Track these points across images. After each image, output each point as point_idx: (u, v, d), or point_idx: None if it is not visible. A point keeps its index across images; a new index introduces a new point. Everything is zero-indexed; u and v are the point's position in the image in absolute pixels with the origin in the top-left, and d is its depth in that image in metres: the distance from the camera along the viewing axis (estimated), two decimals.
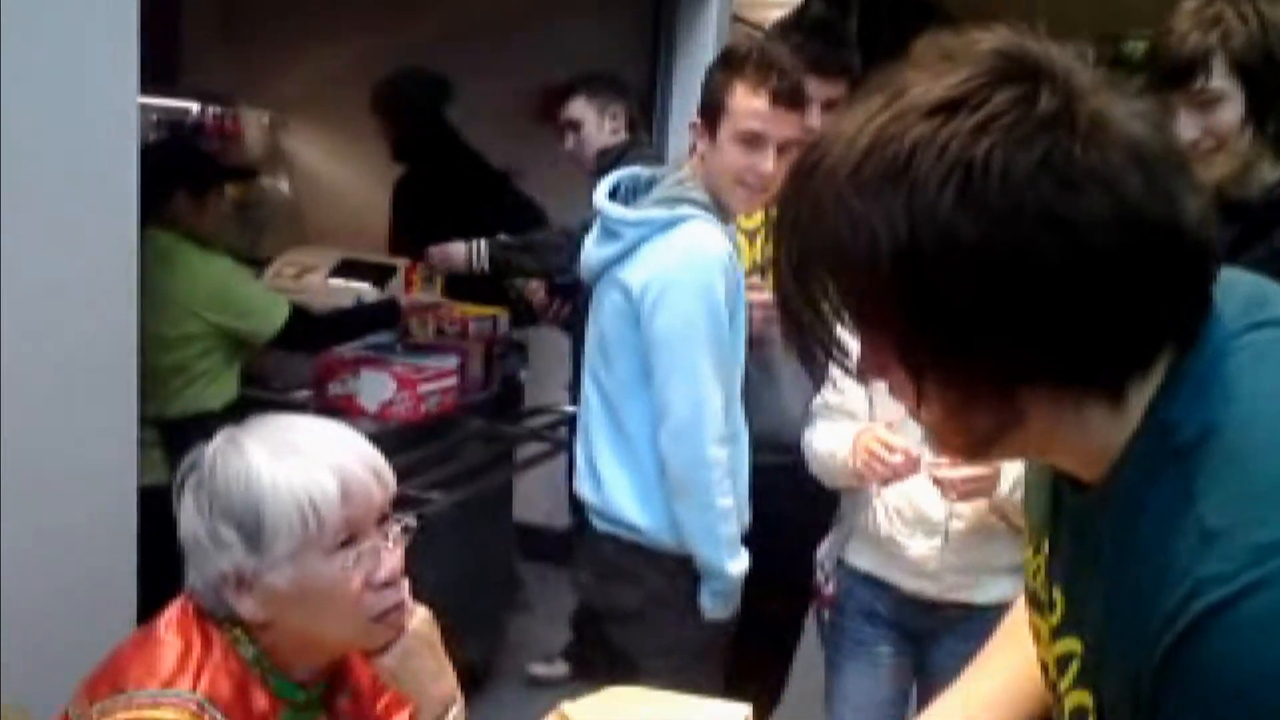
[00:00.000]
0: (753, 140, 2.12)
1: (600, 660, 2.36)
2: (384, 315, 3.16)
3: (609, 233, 2.22)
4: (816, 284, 0.80)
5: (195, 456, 1.30)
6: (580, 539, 2.41)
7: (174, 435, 2.54)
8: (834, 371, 2.11)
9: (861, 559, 2.25)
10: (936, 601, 2.18)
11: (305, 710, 1.33)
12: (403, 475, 2.69)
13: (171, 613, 1.30)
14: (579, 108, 3.48)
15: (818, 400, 2.25)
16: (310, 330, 2.97)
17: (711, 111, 2.15)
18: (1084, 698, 0.86)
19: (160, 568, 1.80)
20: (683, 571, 2.22)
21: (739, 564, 2.21)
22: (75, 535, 1.82)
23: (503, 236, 3.43)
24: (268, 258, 3.70)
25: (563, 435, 3.41)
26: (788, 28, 2.72)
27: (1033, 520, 1.00)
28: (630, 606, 2.26)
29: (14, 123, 1.64)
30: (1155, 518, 0.77)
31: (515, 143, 4.49)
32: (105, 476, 1.90)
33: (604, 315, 2.23)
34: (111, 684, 1.22)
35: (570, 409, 3.52)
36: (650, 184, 2.24)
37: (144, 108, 4.22)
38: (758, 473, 2.32)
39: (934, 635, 2.22)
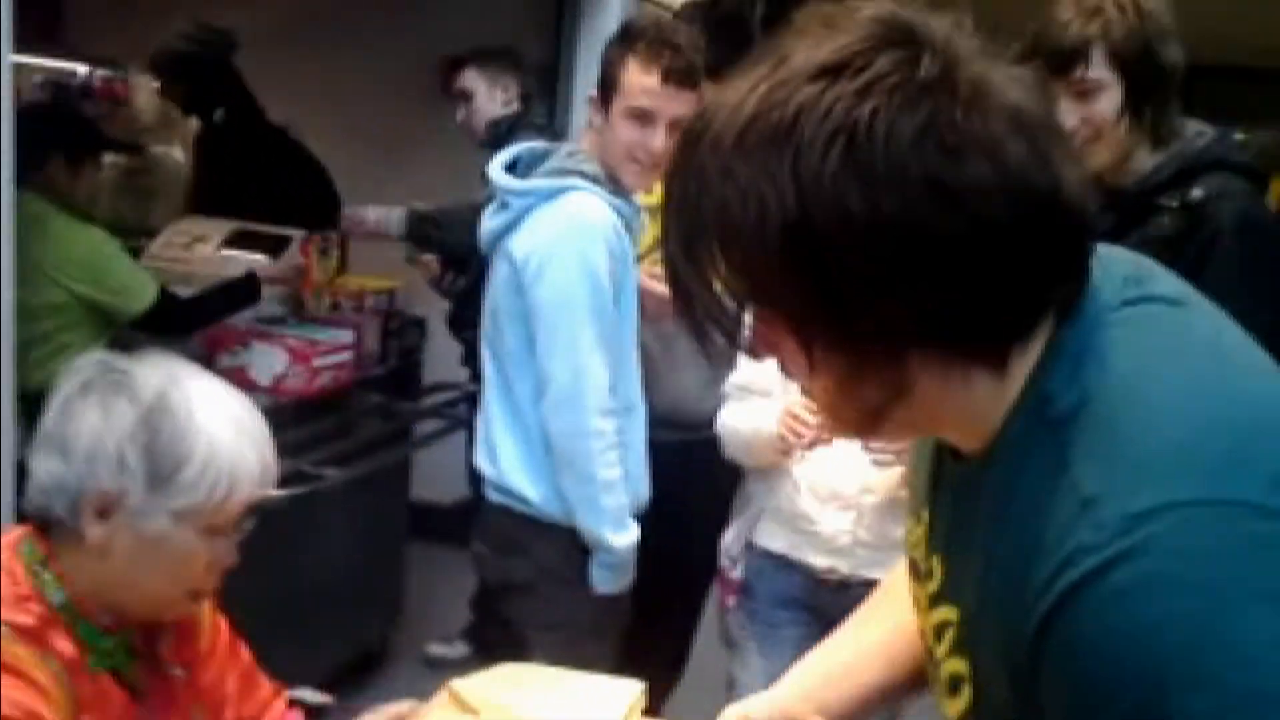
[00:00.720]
0: (643, 116, 2.13)
1: (495, 635, 2.37)
2: (244, 293, 3.07)
3: (500, 204, 2.22)
4: (706, 257, 0.79)
5: (113, 368, 1.28)
6: (477, 512, 2.40)
7: (32, 406, 2.46)
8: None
9: (773, 540, 2.24)
10: (848, 579, 2.18)
11: (112, 656, 1.31)
12: (296, 450, 2.68)
13: None
14: (470, 78, 3.54)
15: (730, 380, 2.25)
16: (176, 315, 2.92)
17: (606, 87, 2.17)
18: (959, 665, 0.86)
19: None
20: (574, 545, 2.21)
21: (625, 537, 2.20)
22: None
23: (418, 205, 3.41)
24: (157, 228, 3.60)
25: (460, 412, 3.37)
26: (695, 18, 2.73)
27: (914, 490, 1.01)
28: (522, 579, 2.26)
29: None
30: (1032, 486, 0.77)
31: (413, 113, 4.44)
32: None
33: (495, 286, 2.24)
34: None
35: (471, 386, 3.49)
36: (546, 157, 2.23)
37: (25, 68, 4.10)
38: (655, 450, 2.32)
39: (844, 617, 2.24)
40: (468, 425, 3.32)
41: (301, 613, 3.10)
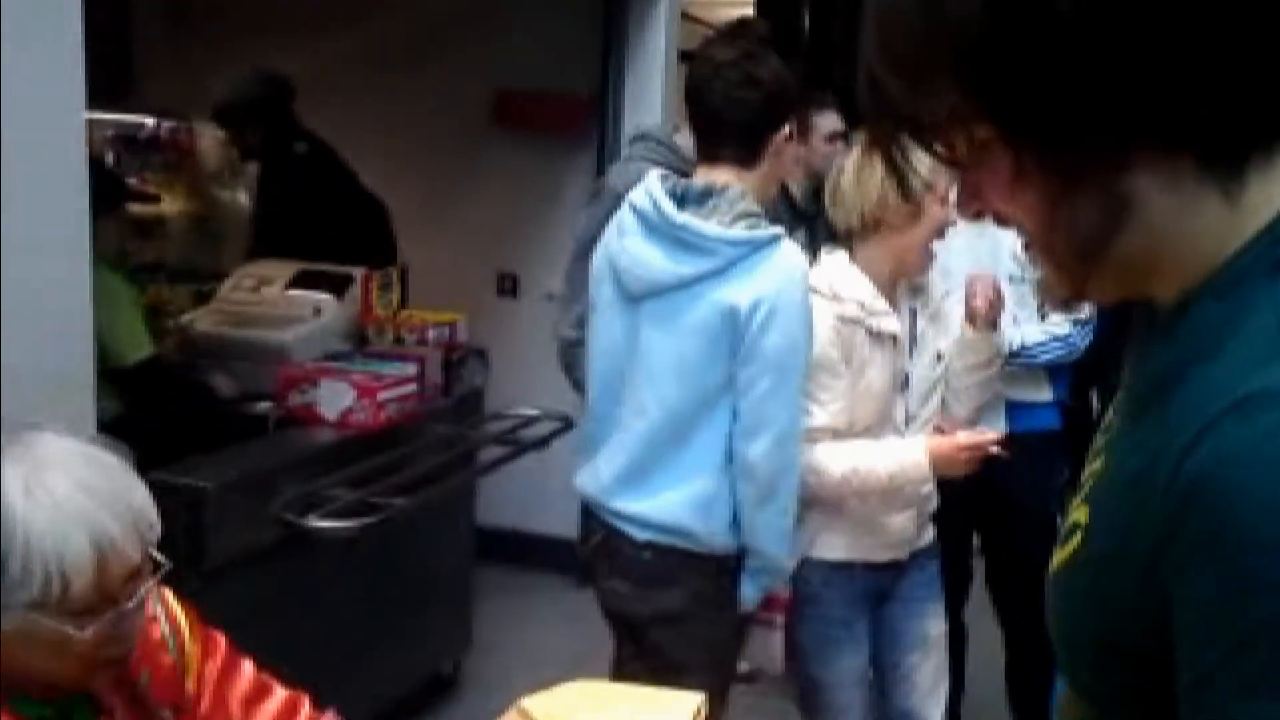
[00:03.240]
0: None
1: (639, 665, 2.40)
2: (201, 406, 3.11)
3: (693, 248, 2.20)
4: (910, 75, 0.75)
5: None
6: (604, 549, 2.40)
7: None
8: (814, 393, 2.31)
9: (833, 550, 2.42)
10: (901, 560, 2.49)
11: (65, 716, 1.28)
12: (364, 482, 2.76)
13: None
14: None
15: (810, 424, 2.31)
16: (154, 383, 3.00)
17: (793, 114, 2.30)
18: (1080, 514, 0.81)
19: None
20: (721, 571, 2.32)
21: (791, 560, 2.37)
22: None
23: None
24: (226, 271, 3.72)
25: (522, 439, 3.44)
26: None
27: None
28: (675, 609, 2.32)
29: None
30: (1245, 336, 0.70)
31: (467, 148, 4.55)
32: None
33: (684, 329, 2.22)
34: None
35: (531, 412, 3.56)
36: (705, 195, 2.23)
37: (98, 122, 4.27)
38: None
39: (891, 590, 2.52)
40: (535, 448, 3.38)
41: (376, 639, 3.18)
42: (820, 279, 2.35)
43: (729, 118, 2.23)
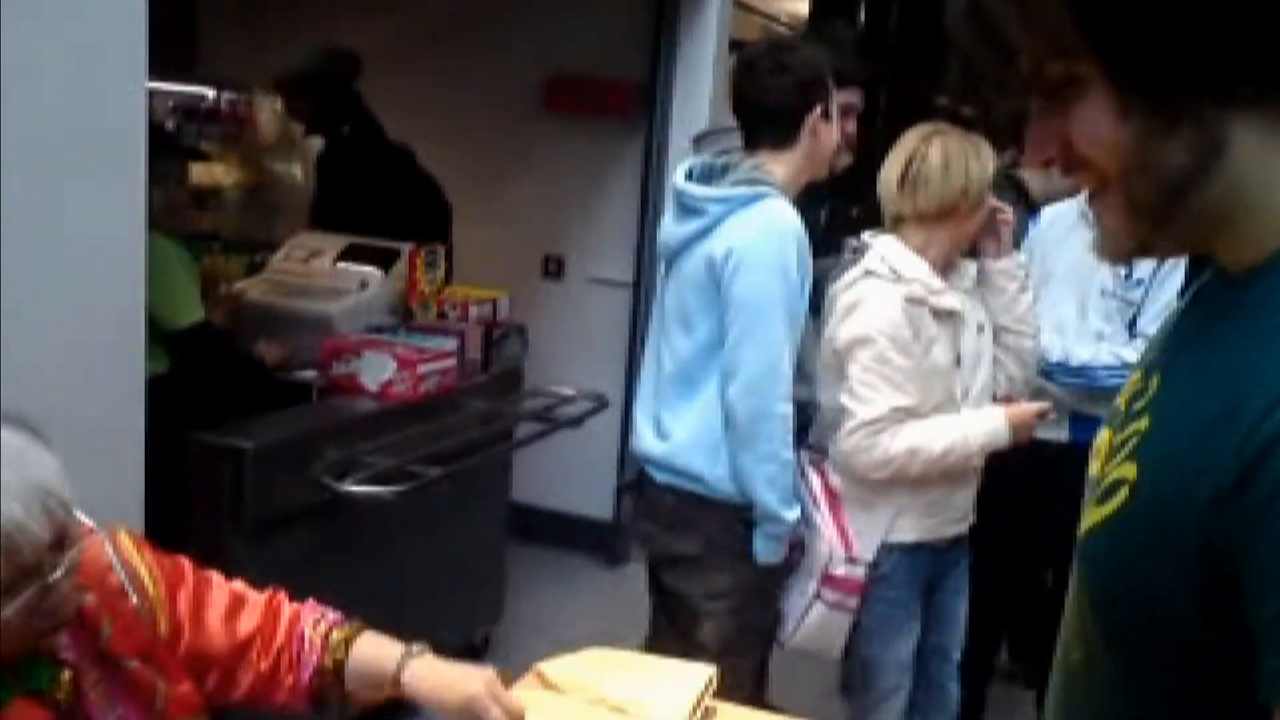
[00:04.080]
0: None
1: (661, 606, 2.59)
2: (250, 381, 3.12)
3: (690, 210, 2.42)
4: (1011, 12, 0.77)
5: None
6: (640, 493, 2.61)
7: None
8: (892, 378, 2.38)
9: (907, 534, 2.49)
10: (962, 536, 2.60)
11: (25, 680, 1.29)
12: (402, 450, 2.83)
13: None
14: None
15: (879, 411, 2.39)
16: (204, 349, 3.02)
17: (825, 97, 2.48)
18: (1127, 470, 0.81)
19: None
20: (737, 520, 2.42)
21: (793, 512, 2.41)
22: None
23: None
24: (278, 241, 3.80)
25: (558, 416, 3.50)
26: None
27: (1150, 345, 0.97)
28: (689, 552, 2.47)
29: (26, 108, 1.72)
30: None
31: (518, 131, 4.61)
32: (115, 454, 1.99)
33: (686, 285, 2.43)
34: None
35: (567, 391, 3.63)
36: (725, 169, 2.44)
37: (160, 93, 4.37)
38: None
39: (942, 575, 2.62)
40: (569, 425, 3.45)
41: (409, 606, 3.25)
42: (877, 262, 2.43)
43: (763, 104, 2.43)
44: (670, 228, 2.49)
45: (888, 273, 2.41)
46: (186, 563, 1.53)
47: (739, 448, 2.37)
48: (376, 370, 2.99)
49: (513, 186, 4.67)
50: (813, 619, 2.52)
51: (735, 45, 4.52)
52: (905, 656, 2.57)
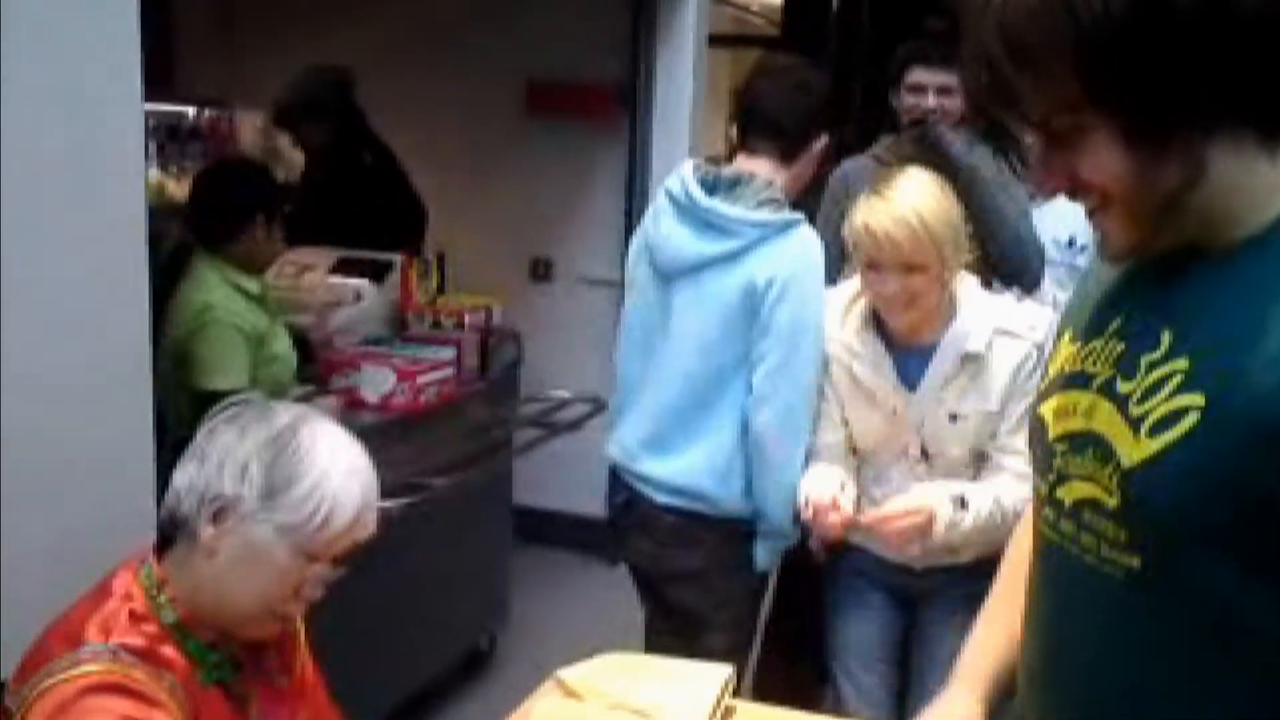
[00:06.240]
0: None
1: (662, 621, 2.62)
2: None
3: (717, 229, 2.37)
4: (1024, 70, 0.93)
5: (260, 404, 1.48)
6: (631, 512, 2.58)
7: None
8: (827, 409, 2.32)
9: (851, 535, 2.35)
10: (920, 570, 2.34)
11: (219, 669, 1.44)
12: (405, 463, 2.84)
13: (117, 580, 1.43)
14: None
15: (815, 440, 2.36)
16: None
17: (830, 126, 2.51)
18: (1192, 399, 0.95)
19: None
20: (736, 534, 2.47)
21: (795, 527, 2.46)
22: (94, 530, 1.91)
23: None
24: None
25: (557, 421, 3.52)
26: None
27: (1076, 325, 1.14)
28: (694, 568, 2.50)
29: (21, 130, 1.70)
30: None
31: (500, 136, 4.63)
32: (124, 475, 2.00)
33: (710, 308, 2.39)
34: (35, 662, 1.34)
35: (564, 395, 3.65)
36: (734, 183, 2.39)
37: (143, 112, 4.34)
38: None
39: (923, 596, 2.41)
40: (568, 430, 3.48)
41: (415, 615, 3.27)
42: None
43: (782, 115, 2.42)
44: (682, 240, 2.41)
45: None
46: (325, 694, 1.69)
47: (761, 470, 2.39)
48: (376, 383, 3.01)
49: (498, 191, 4.69)
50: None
51: (714, 40, 4.54)
52: (858, 648, 2.46)
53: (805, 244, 2.35)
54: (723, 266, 2.36)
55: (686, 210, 2.41)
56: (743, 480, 2.42)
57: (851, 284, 2.34)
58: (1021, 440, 2.02)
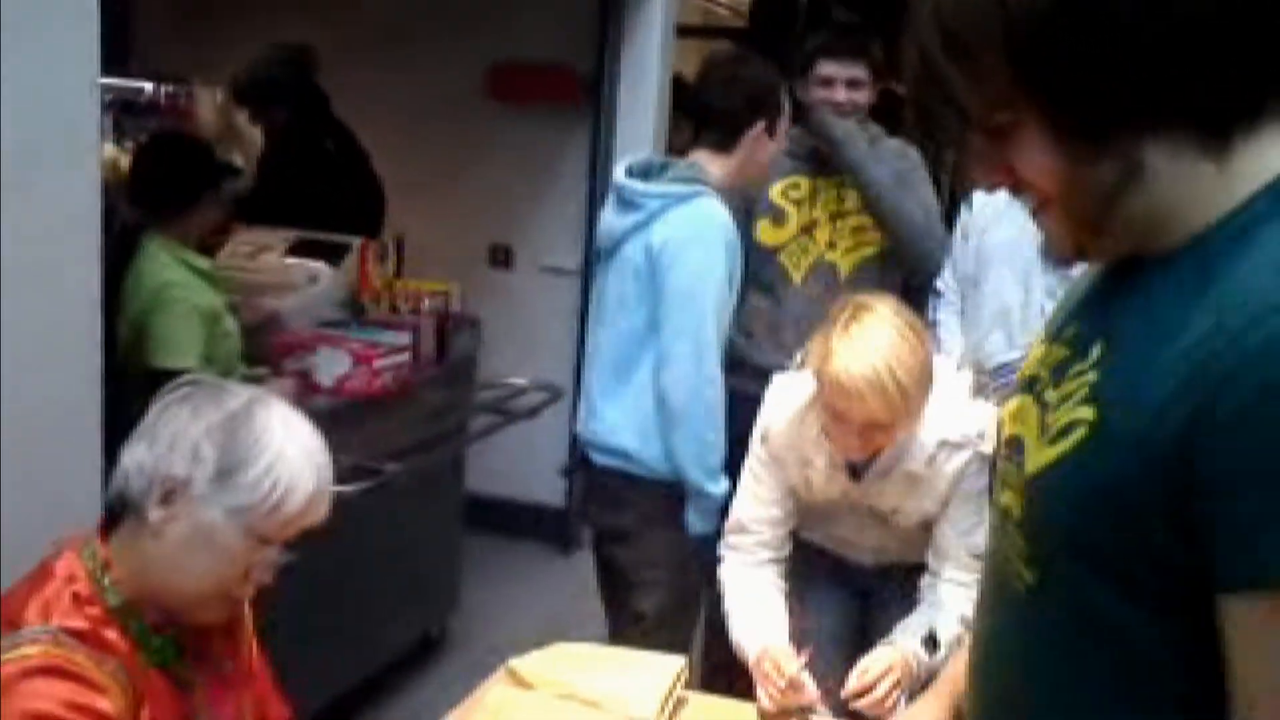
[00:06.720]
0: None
1: (603, 578, 2.75)
2: None
3: (629, 204, 2.58)
4: (951, 67, 0.92)
5: (213, 384, 1.45)
6: (581, 474, 2.77)
7: None
8: (759, 489, 2.20)
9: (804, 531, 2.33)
10: (875, 568, 2.34)
11: (162, 653, 1.42)
12: (358, 447, 2.82)
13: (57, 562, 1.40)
14: None
15: (745, 514, 2.24)
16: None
17: (774, 116, 2.64)
18: (1085, 412, 0.92)
19: None
20: (670, 496, 2.57)
21: (720, 486, 2.53)
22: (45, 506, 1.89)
23: None
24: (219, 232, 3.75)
25: (512, 409, 3.51)
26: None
27: (1054, 319, 1.11)
28: (627, 527, 2.63)
29: None
30: (1255, 256, 0.86)
31: (465, 123, 4.59)
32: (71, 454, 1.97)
33: (625, 273, 2.58)
34: None
35: (520, 382, 3.64)
36: (663, 168, 2.63)
37: (100, 87, 4.28)
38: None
39: (879, 591, 2.39)
40: (524, 418, 3.47)
41: (366, 600, 3.26)
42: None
43: (711, 109, 2.64)
44: (610, 220, 2.64)
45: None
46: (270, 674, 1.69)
47: (670, 428, 2.52)
48: (331, 366, 2.98)
49: (459, 176, 4.66)
50: None
51: (682, 31, 4.53)
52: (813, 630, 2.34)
53: (703, 211, 2.51)
54: (634, 236, 2.56)
55: (615, 193, 2.63)
56: (661, 441, 2.54)
57: (805, 385, 2.10)
58: (969, 549, 2.07)
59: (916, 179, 3.12)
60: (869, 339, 1.88)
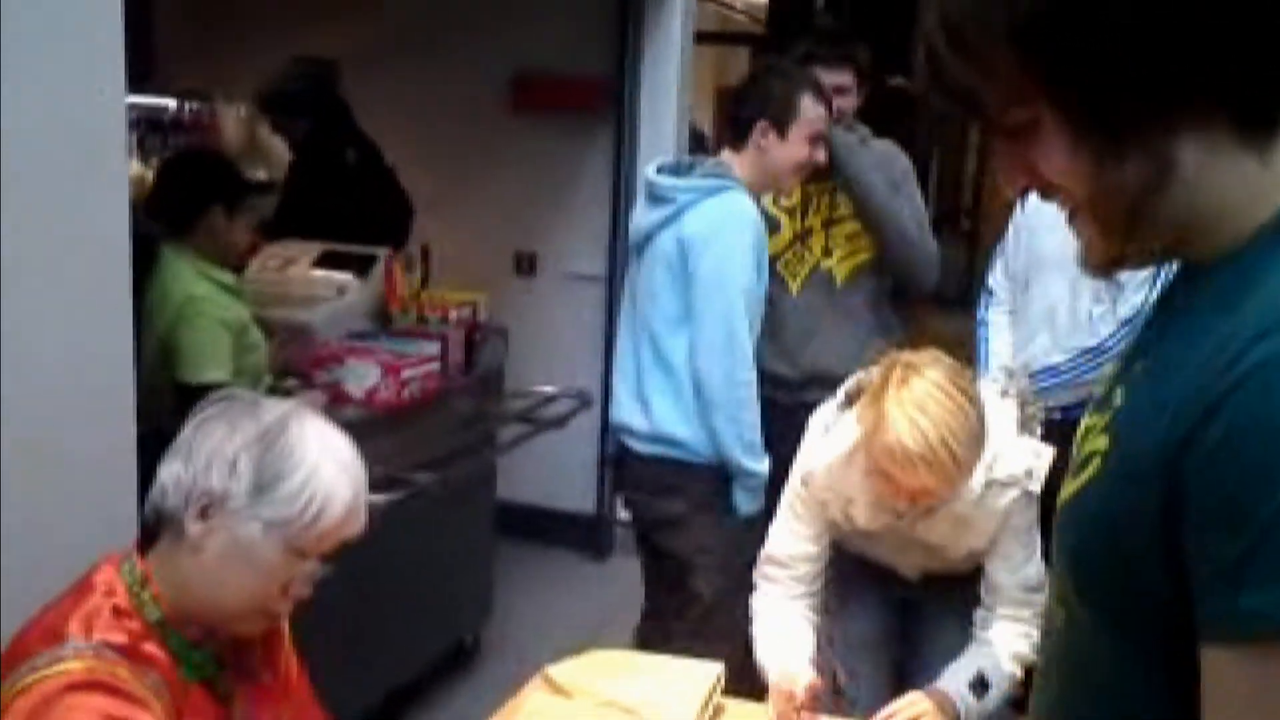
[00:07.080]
0: (817, 138, 2.75)
1: (653, 566, 2.82)
2: None
3: (661, 199, 2.71)
4: (971, 60, 0.83)
5: (248, 398, 1.45)
6: (624, 464, 2.85)
7: None
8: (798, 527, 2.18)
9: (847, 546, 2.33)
10: (918, 580, 2.32)
11: (202, 668, 1.42)
12: (389, 457, 2.83)
13: (98, 575, 1.41)
14: None
15: (780, 550, 2.21)
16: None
17: (784, 115, 2.70)
18: (1100, 443, 0.87)
19: None
20: (717, 479, 2.68)
21: (763, 464, 2.65)
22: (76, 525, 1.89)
23: None
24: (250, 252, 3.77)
25: (541, 417, 3.51)
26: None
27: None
28: (677, 514, 2.71)
29: (4, 125, 1.69)
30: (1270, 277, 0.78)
31: (486, 130, 4.61)
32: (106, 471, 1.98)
33: (657, 264, 2.70)
34: (16, 655, 1.33)
35: (549, 390, 3.65)
36: (692, 166, 2.78)
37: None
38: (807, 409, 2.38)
39: (921, 599, 2.38)
40: (553, 426, 3.47)
41: (399, 610, 3.26)
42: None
43: (736, 109, 2.80)
44: (641, 216, 2.77)
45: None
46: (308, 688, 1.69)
47: (710, 411, 2.62)
48: (360, 378, 2.99)
49: (483, 185, 4.67)
50: None
51: (701, 37, 4.52)
52: (854, 640, 2.42)
53: (731, 203, 2.63)
54: (665, 228, 2.68)
55: (646, 190, 2.76)
56: (704, 424, 2.64)
57: (847, 429, 2.07)
58: (1021, 584, 2.04)
59: (910, 188, 3.15)
60: (922, 406, 1.80)
